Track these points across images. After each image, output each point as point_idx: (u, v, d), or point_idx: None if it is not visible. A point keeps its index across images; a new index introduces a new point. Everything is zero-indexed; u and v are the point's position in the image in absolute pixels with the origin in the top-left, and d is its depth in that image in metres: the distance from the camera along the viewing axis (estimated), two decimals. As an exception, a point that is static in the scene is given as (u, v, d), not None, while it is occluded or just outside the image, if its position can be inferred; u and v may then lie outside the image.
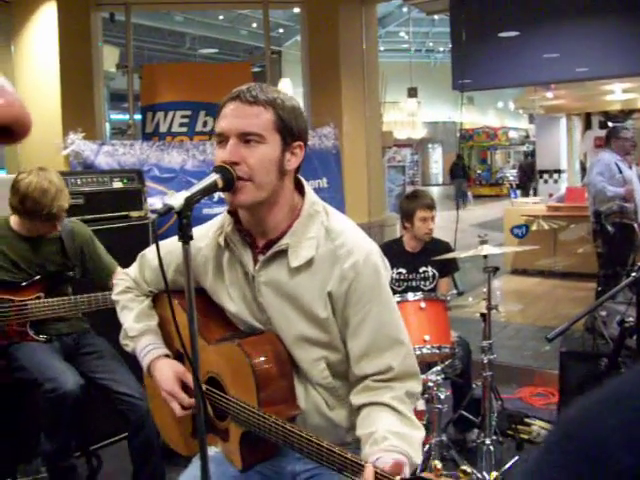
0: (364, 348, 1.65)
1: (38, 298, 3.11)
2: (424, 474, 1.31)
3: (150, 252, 1.98)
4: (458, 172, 22.93)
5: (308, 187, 1.76)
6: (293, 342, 1.70)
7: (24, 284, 3.10)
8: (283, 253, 1.68)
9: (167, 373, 1.84)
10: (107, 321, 2.62)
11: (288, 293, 1.68)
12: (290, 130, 1.63)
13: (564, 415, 0.52)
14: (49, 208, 2.93)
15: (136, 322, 1.95)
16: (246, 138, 1.58)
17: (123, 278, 2.06)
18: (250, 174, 1.58)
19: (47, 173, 2.97)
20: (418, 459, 1.54)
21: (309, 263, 1.65)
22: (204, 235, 1.83)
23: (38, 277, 3.13)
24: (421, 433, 1.61)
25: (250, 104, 1.59)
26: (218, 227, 1.80)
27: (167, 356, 1.91)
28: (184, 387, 1.82)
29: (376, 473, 1.35)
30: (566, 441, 0.49)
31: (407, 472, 1.44)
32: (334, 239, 1.67)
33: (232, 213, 1.76)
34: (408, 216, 3.92)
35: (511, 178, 26.23)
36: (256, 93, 1.60)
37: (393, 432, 1.53)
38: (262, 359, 1.68)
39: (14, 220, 3.12)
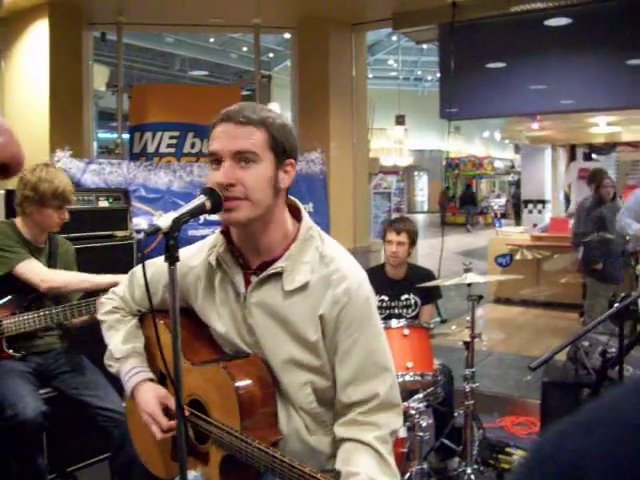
0: (351, 374, 1.66)
1: (14, 314, 3.07)
2: None
3: (140, 270, 1.96)
4: (467, 200, 24.79)
5: (305, 212, 1.77)
6: (281, 365, 1.70)
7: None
8: (277, 276, 1.68)
9: (149, 396, 1.83)
10: (88, 339, 2.60)
11: (279, 315, 1.68)
12: (282, 148, 1.64)
13: (541, 439, 0.52)
14: (63, 186, 3.07)
15: (122, 344, 1.93)
16: (241, 157, 1.58)
17: (111, 297, 2.04)
18: (246, 193, 1.59)
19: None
20: None
21: (303, 287, 1.66)
22: (196, 255, 1.84)
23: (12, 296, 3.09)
24: None
25: (242, 124, 1.59)
26: (210, 247, 1.80)
27: (151, 380, 1.90)
28: (165, 411, 1.81)
29: None
30: (542, 466, 0.49)
31: None
32: (328, 264, 1.68)
33: (225, 233, 1.77)
34: (382, 238, 3.98)
35: (496, 207, 26.46)
36: (247, 113, 1.60)
37: None
38: (246, 382, 1.67)
39: (19, 223, 3.15)
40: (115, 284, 2.18)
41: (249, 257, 1.74)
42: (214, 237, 1.82)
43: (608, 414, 0.49)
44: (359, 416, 1.65)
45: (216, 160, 1.61)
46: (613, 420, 0.48)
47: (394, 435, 1.69)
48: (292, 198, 1.78)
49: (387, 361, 1.71)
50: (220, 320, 1.78)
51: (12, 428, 2.80)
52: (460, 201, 25.67)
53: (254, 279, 1.71)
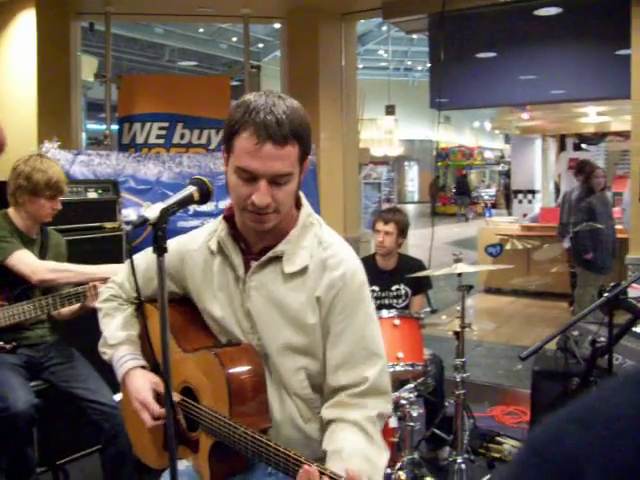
0: (342, 358, 1.67)
1: (2, 306, 3.05)
2: None
3: (139, 258, 1.96)
4: (461, 190, 25.18)
5: (304, 199, 1.79)
6: (277, 349, 1.71)
7: None
8: (277, 259, 1.71)
9: (141, 383, 1.83)
10: (81, 330, 2.59)
11: (278, 299, 1.70)
12: (307, 153, 1.65)
13: (534, 433, 0.52)
14: (57, 176, 3.07)
15: (117, 331, 1.93)
16: (278, 179, 1.58)
17: (110, 286, 2.04)
18: (277, 208, 1.61)
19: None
20: None
21: (303, 271, 1.69)
22: (196, 239, 1.86)
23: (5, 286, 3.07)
24: (386, 456, 1.63)
25: (282, 145, 1.55)
26: (210, 232, 1.83)
27: (144, 368, 1.89)
28: (158, 398, 1.81)
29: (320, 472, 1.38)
30: (539, 460, 0.49)
31: None
32: (326, 248, 1.72)
33: (227, 218, 1.78)
34: (372, 229, 4.01)
35: (486, 197, 26.54)
36: (284, 128, 1.54)
37: (360, 453, 1.54)
38: (237, 370, 1.68)
39: (12, 213, 3.13)
40: (108, 277, 2.17)
41: (252, 242, 1.76)
42: (215, 222, 1.84)
43: (604, 407, 0.48)
44: (346, 398, 1.66)
45: (247, 172, 1.57)
46: (610, 413, 0.47)
47: (382, 419, 1.69)
48: None
49: (378, 347, 1.72)
50: (217, 305, 1.79)
51: (3, 421, 2.79)
52: (456, 190, 25.94)
53: (254, 263, 1.73)
